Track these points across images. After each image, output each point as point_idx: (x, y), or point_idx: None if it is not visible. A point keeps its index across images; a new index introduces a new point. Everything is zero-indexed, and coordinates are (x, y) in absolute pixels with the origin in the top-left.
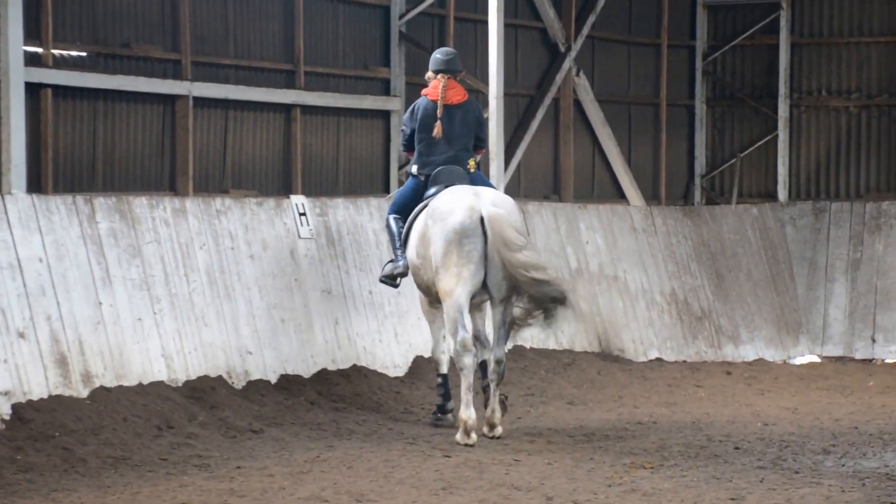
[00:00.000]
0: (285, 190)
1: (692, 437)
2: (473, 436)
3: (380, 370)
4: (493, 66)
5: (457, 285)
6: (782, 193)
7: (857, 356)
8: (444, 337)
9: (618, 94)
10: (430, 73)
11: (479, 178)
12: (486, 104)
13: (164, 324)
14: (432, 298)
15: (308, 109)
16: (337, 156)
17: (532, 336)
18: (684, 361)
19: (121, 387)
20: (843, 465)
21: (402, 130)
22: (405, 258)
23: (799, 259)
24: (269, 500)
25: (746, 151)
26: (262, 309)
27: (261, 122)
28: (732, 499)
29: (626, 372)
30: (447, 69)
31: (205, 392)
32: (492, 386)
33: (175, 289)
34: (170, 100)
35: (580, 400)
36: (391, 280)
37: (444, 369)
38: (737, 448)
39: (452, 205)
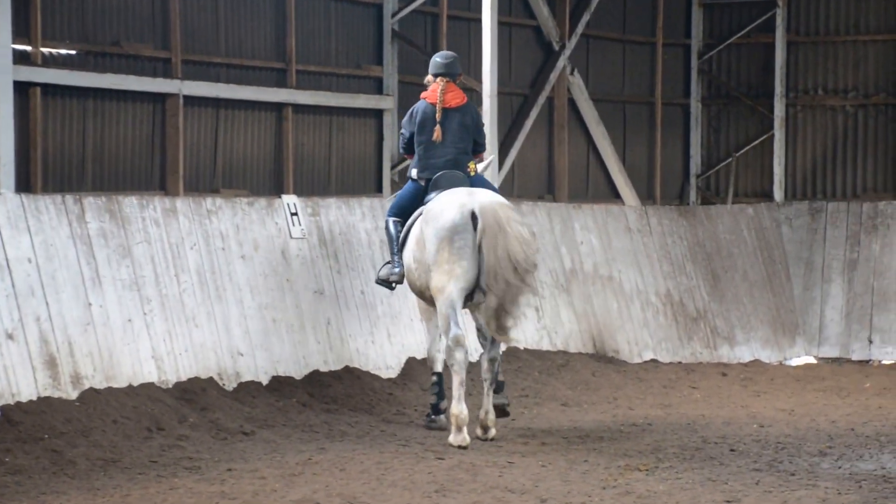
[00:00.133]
0: (277, 190)
1: (687, 439)
2: (466, 435)
3: (372, 371)
4: (487, 64)
5: (449, 282)
6: (778, 193)
7: (854, 357)
8: (440, 336)
9: (612, 92)
10: (429, 77)
11: (480, 181)
12: (479, 103)
13: (154, 325)
14: (427, 303)
15: (300, 108)
16: (329, 155)
17: (526, 337)
18: (679, 363)
19: (110, 388)
20: (839, 468)
21: (401, 134)
22: (402, 264)
23: (795, 259)
24: (261, 503)
25: (742, 151)
26: (253, 310)
27: (252, 121)
28: (728, 501)
29: (620, 373)
30: (446, 73)
31: (195, 393)
32: (485, 385)
33: (165, 289)
34: (160, 98)
35: (574, 401)
36: (387, 284)
37: (439, 368)
38: (732, 450)
39: (444, 205)
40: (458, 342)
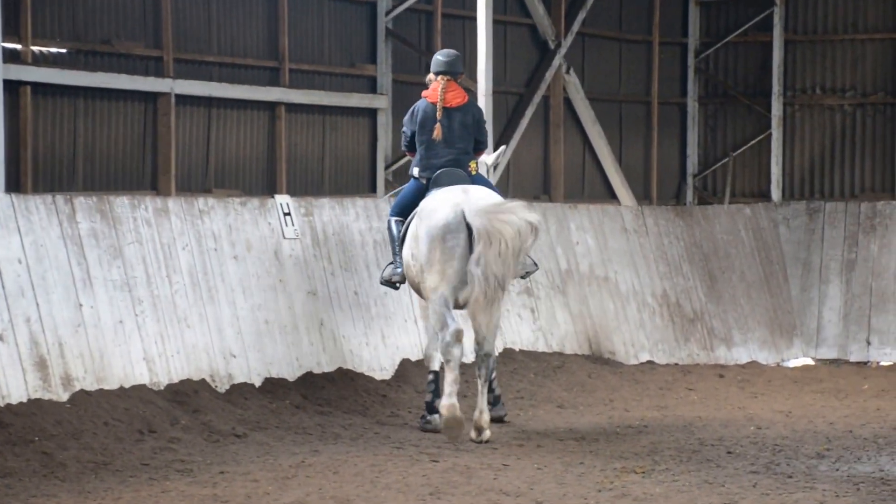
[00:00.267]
0: (270, 189)
1: (684, 441)
2: (458, 412)
3: (366, 373)
4: (482, 63)
5: (441, 281)
6: (776, 193)
7: (852, 359)
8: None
9: (608, 91)
10: (430, 75)
11: (481, 180)
12: None
13: (145, 326)
14: (424, 299)
15: (293, 107)
16: (322, 155)
17: (521, 339)
18: (676, 364)
19: (102, 390)
20: (837, 470)
21: (403, 132)
22: (403, 264)
23: (793, 260)
24: None
25: (739, 150)
26: (246, 311)
27: (245, 120)
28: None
29: (616, 375)
30: (447, 71)
31: (187, 396)
32: (479, 381)
33: (157, 290)
34: (152, 97)
35: (570, 403)
36: (390, 284)
37: (436, 366)
38: (729, 452)
39: (438, 203)
40: (457, 337)
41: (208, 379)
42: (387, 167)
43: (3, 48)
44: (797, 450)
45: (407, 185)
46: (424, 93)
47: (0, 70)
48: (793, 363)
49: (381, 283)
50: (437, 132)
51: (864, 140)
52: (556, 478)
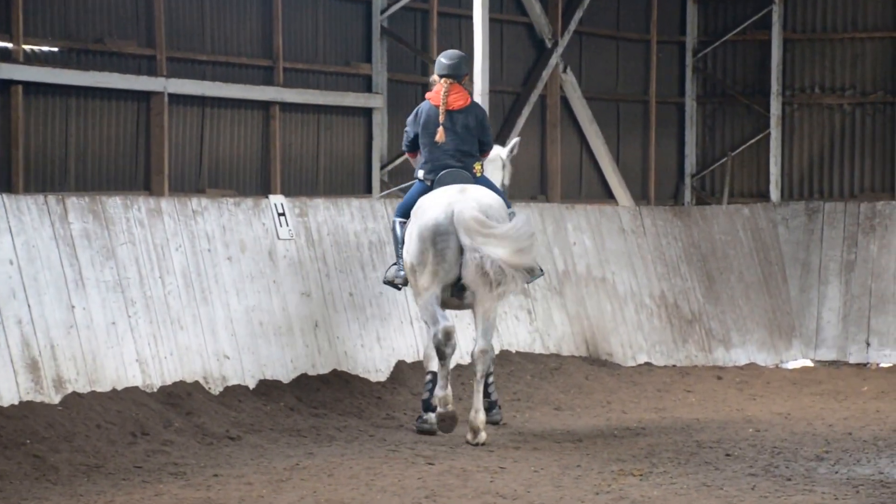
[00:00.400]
0: (264, 190)
1: (682, 444)
2: (452, 406)
3: (361, 375)
4: (478, 62)
5: (432, 283)
6: (775, 193)
7: (851, 360)
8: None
9: (606, 91)
10: (434, 77)
11: (486, 182)
12: None
13: (138, 327)
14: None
15: (287, 107)
16: (317, 154)
17: (518, 340)
18: (674, 366)
19: (94, 392)
20: (836, 472)
21: (405, 132)
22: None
23: (792, 261)
24: None
25: (738, 150)
26: (239, 312)
27: (238, 119)
28: None
29: (614, 377)
30: (450, 74)
31: (181, 398)
32: (476, 379)
33: (150, 291)
34: (144, 97)
35: (567, 405)
36: (393, 285)
37: (435, 367)
38: (728, 454)
39: (431, 203)
40: (447, 334)
41: (202, 381)
42: (382, 167)
43: None
44: (796, 452)
45: (413, 186)
46: (428, 94)
47: None
48: (791, 365)
49: (384, 283)
50: (440, 135)
51: (863, 140)
52: (553, 480)
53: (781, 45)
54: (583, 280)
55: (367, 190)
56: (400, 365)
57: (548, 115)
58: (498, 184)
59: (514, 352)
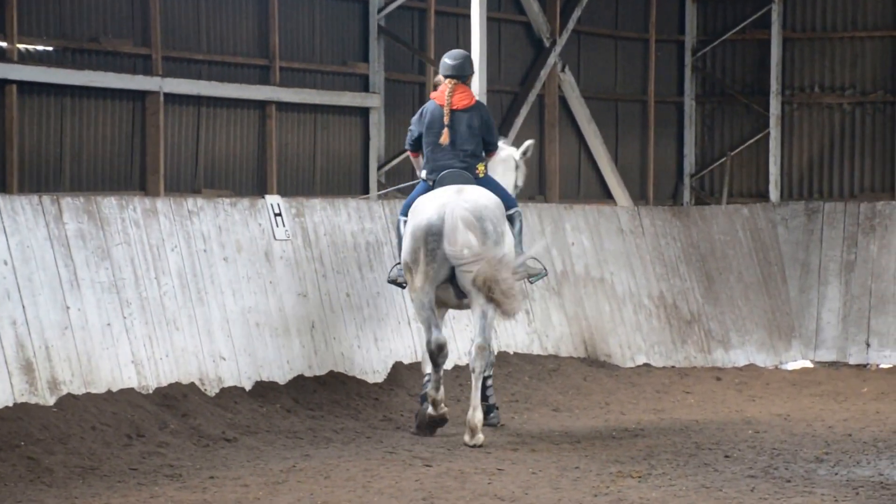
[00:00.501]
0: (260, 190)
1: (681, 445)
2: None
3: (358, 376)
4: (476, 61)
5: (424, 282)
6: (774, 193)
7: (851, 361)
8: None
9: (604, 90)
10: (439, 77)
11: (490, 182)
12: None
13: (134, 328)
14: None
15: (284, 106)
16: (314, 154)
17: (516, 341)
18: (673, 367)
19: (89, 394)
20: (836, 474)
21: (409, 130)
22: None
23: (791, 261)
24: None
25: (737, 150)
26: (235, 313)
27: (234, 119)
28: None
29: (612, 378)
30: (454, 74)
31: (176, 399)
32: (473, 376)
33: (145, 292)
34: (140, 96)
35: (566, 407)
36: (398, 284)
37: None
38: (727, 456)
39: (426, 202)
40: (440, 346)
41: (198, 382)
42: (379, 167)
43: None
44: (795, 454)
45: (417, 186)
46: (433, 94)
47: None
48: (791, 366)
49: (389, 282)
50: (444, 137)
51: (863, 139)
52: (551, 482)
53: (781, 45)
54: (581, 280)
55: (364, 190)
56: (397, 366)
57: (546, 114)
58: (511, 185)
59: (511, 353)
